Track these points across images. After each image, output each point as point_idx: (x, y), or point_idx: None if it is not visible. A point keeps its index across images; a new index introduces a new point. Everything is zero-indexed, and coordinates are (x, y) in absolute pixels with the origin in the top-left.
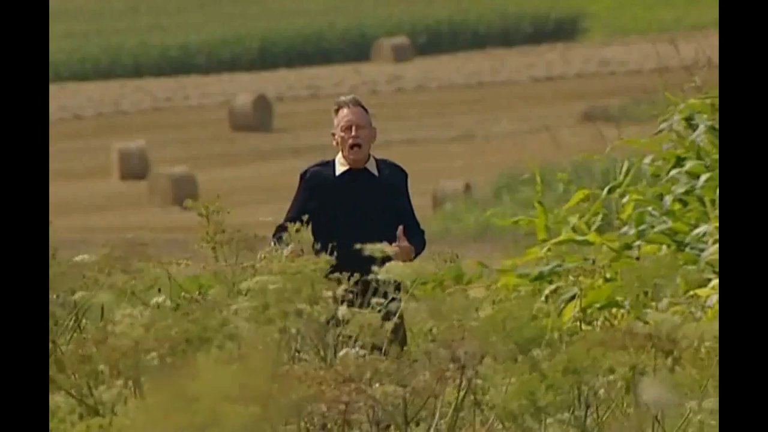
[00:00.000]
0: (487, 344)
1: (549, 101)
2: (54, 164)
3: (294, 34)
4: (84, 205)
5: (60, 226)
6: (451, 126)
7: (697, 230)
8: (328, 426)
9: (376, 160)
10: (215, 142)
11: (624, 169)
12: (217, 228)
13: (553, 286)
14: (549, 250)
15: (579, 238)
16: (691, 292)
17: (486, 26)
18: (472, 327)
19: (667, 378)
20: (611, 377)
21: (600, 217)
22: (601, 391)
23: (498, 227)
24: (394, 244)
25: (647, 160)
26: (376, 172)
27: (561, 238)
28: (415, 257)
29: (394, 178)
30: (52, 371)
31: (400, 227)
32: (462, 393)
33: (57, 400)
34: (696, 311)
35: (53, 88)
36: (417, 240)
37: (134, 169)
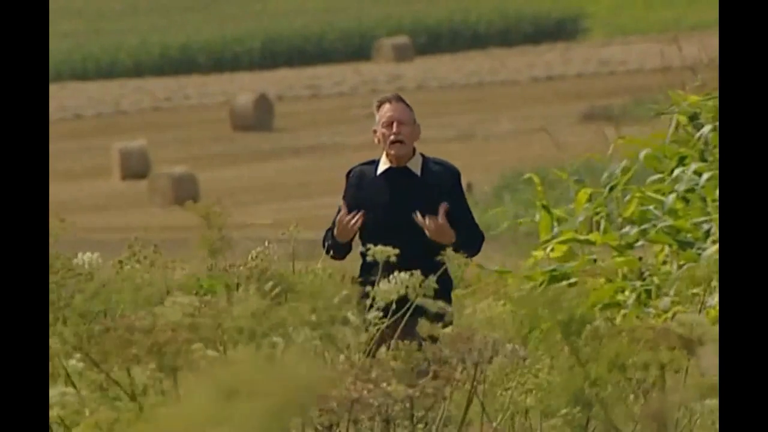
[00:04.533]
0: (533, 318)
1: (549, 101)
2: (54, 164)
3: (294, 34)
4: (84, 205)
5: (61, 226)
6: (451, 126)
7: (701, 227)
8: (334, 425)
9: (424, 158)
10: (216, 142)
11: (622, 166)
12: (216, 232)
13: (554, 286)
14: (552, 249)
15: (581, 237)
16: (693, 291)
17: (486, 26)
18: (518, 298)
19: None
20: (641, 374)
21: (605, 216)
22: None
23: (498, 227)
24: (429, 220)
25: (642, 154)
26: (418, 171)
27: (563, 237)
28: (466, 252)
29: (440, 176)
30: (91, 351)
31: (444, 204)
32: (471, 394)
33: (90, 377)
34: (696, 311)
35: (53, 88)
36: (464, 231)
37: (135, 168)
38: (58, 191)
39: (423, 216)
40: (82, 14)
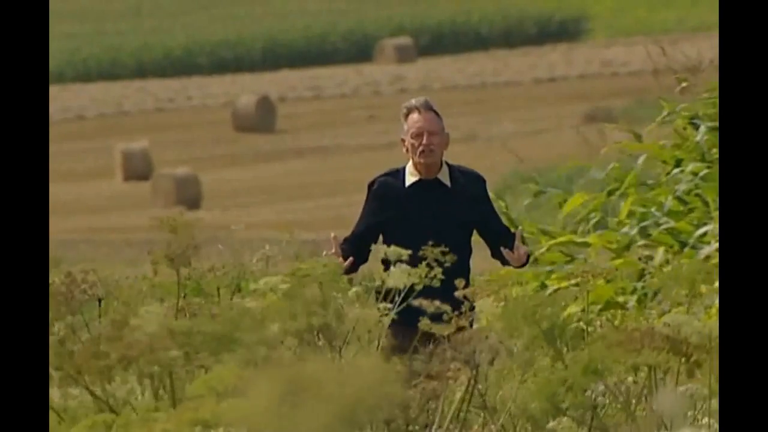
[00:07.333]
0: (511, 329)
1: (551, 102)
2: (57, 165)
3: (297, 35)
4: (87, 205)
5: (63, 226)
6: (454, 127)
7: (700, 231)
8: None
9: (450, 168)
10: (218, 143)
11: (610, 167)
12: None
13: (551, 289)
14: (548, 249)
15: (578, 239)
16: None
17: (489, 27)
18: (498, 312)
19: (681, 387)
20: (629, 378)
21: (597, 217)
22: (623, 390)
23: None
24: (509, 251)
25: (640, 160)
26: (448, 182)
27: (560, 239)
28: (526, 263)
29: (469, 185)
30: (65, 365)
31: (519, 229)
32: (469, 394)
33: (71, 393)
34: (698, 311)
35: (56, 90)
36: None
37: (137, 169)
38: (60, 192)
39: (455, 226)
40: (85, 15)
